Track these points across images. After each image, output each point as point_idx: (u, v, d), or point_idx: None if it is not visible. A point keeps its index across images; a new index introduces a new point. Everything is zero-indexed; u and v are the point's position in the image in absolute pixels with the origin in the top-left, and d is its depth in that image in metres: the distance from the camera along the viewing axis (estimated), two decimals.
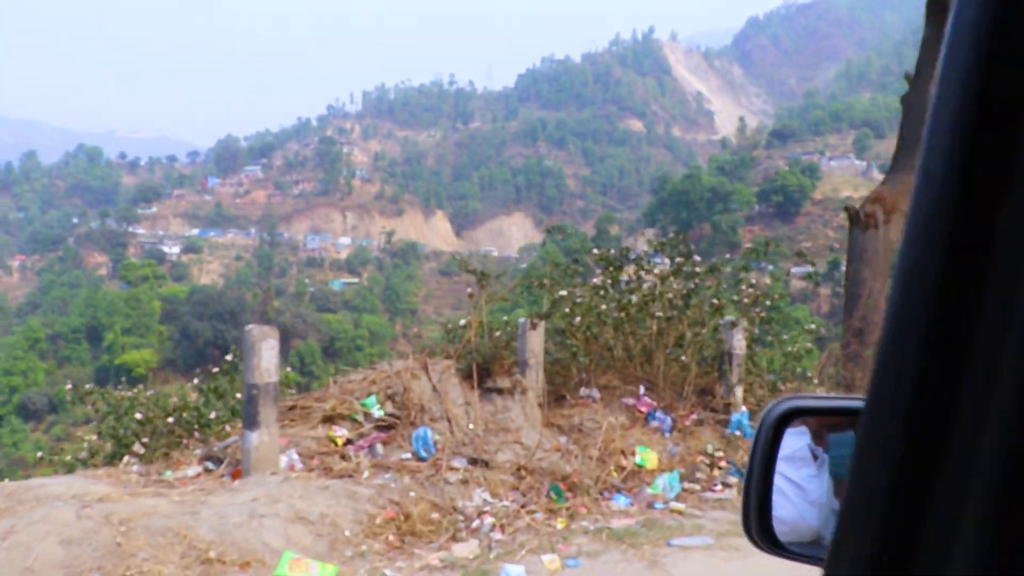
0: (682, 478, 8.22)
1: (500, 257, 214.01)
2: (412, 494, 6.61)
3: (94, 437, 8.07)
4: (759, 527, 1.76)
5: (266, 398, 6.58)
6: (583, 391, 9.38)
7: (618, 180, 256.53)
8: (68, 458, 7.95)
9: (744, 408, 9.76)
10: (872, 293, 13.31)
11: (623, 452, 8.23)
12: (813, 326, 11.48)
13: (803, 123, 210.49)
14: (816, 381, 10.64)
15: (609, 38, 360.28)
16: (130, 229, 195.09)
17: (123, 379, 11.63)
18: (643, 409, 9.33)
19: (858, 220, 13.61)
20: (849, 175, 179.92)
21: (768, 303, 10.64)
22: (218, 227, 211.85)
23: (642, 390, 9.53)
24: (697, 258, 10.93)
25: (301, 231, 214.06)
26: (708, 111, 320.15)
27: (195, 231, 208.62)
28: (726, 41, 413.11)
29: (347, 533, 5.86)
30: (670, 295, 9.94)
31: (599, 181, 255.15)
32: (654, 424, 9.15)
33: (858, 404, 1.96)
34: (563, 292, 9.93)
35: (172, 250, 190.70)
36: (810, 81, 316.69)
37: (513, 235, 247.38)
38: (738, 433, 9.18)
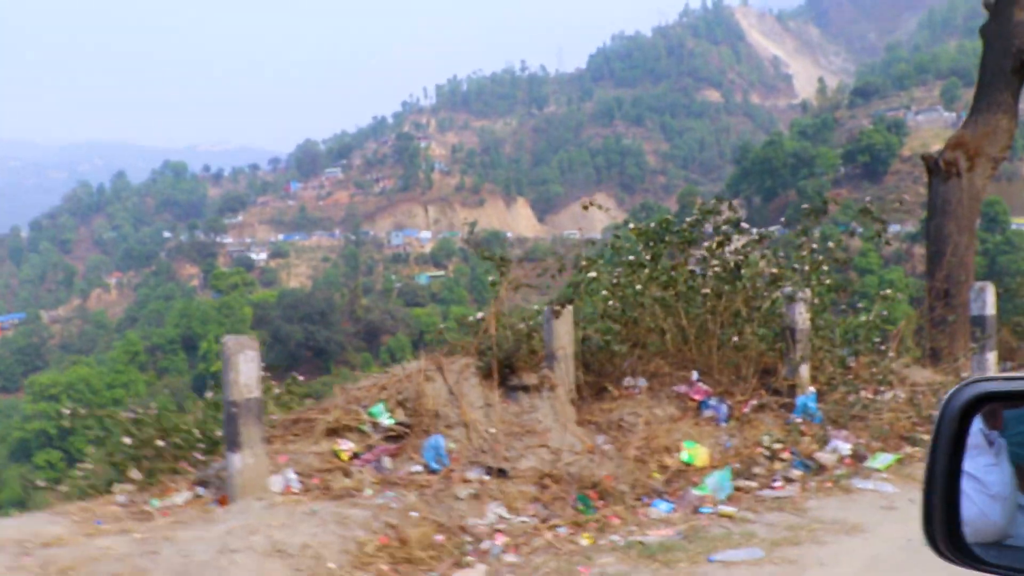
0: (737, 475, 7.21)
1: (584, 239, 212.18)
2: (414, 514, 5.77)
3: (89, 465, 7.45)
4: (946, 535, 1.60)
5: (247, 416, 5.84)
6: (627, 381, 8.42)
7: (699, 153, 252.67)
8: (64, 488, 7.33)
9: (812, 389, 8.69)
10: (958, 249, 11.98)
11: (667, 449, 7.28)
12: (889, 291, 10.21)
13: (886, 78, 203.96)
14: (892, 354, 9.47)
15: (679, 9, 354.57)
16: (218, 239, 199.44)
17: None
18: (696, 397, 8.33)
19: (937, 169, 12.29)
20: (939, 127, 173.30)
21: (827, 268, 9.50)
22: (303, 230, 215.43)
23: (695, 376, 8.52)
24: (745, 225, 9.83)
25: (385, 228, 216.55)
26: (786, 75, 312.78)
27: (281, 236, 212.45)
28: (800, 1, 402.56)
29: (331, 566, 5.08)
30: (717, 268, 8.90)
31: (679, 155, 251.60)
32: (708, 414, 8.14)
33: None
34: (592, 273, 9.02)
35: (260, 256, 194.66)
36: (892, 34, 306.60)
37: (596, 216, 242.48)
38: (799, 420, 8.12)
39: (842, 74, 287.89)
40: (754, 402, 8.36)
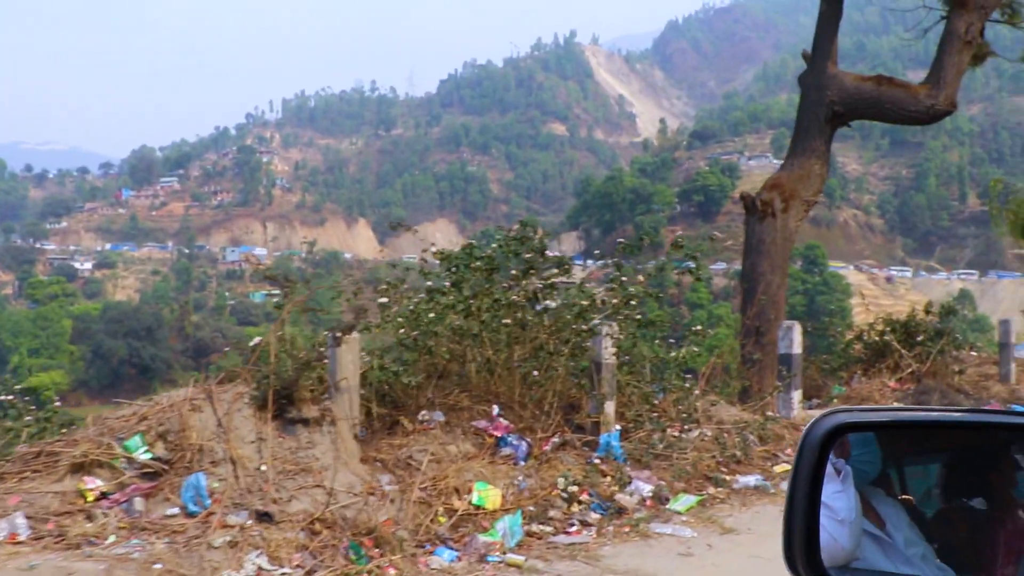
0: (532, 518, 6.77)
1: (424, 264, 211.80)
2: (158, 566, 5.03)
3: None
4: (805, 559, 1.66)
5: None
6: (423, 415, 7.89)
7: (542, 184, 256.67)
8: None
9: (617, 427, 8.39)
10: (770, 287, 12.11)
11: (457, 490, 6.76)
12: (700, 327, 10.09)
13: (723, 124, 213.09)
14: (698, 391, 9.33)
15: (531, 42, 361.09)
16: (38, 245, 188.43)
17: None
18: (495, 433, 7.88)
19: (754, 209, 12.41)
20: (768, 173, 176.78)
21: (633, 303, 9.27)
22: (133, 241, 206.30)
23: (496, 410, 8.07)
24: (551, 253, 9.52)
25: (220, 243, 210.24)
26: (630, 114, 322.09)
27: (108, 245, 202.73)
28: (646, 44, 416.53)
29: None
30: (517, 298, 8.52)
31: (523, 185, 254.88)
32: (506, 451, 7.69)
33: (922, 416, 2.07)
34: (383, 299, 8.51)
35: (84, 266, 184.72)
36: (729, 83, 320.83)
37: (438, 242, 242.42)
38: (601, 459, 7.80)
39: (683, 117, 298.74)
40: (556, 439, 7.98)
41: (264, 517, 5.80)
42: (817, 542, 1.71)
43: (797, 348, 9.91)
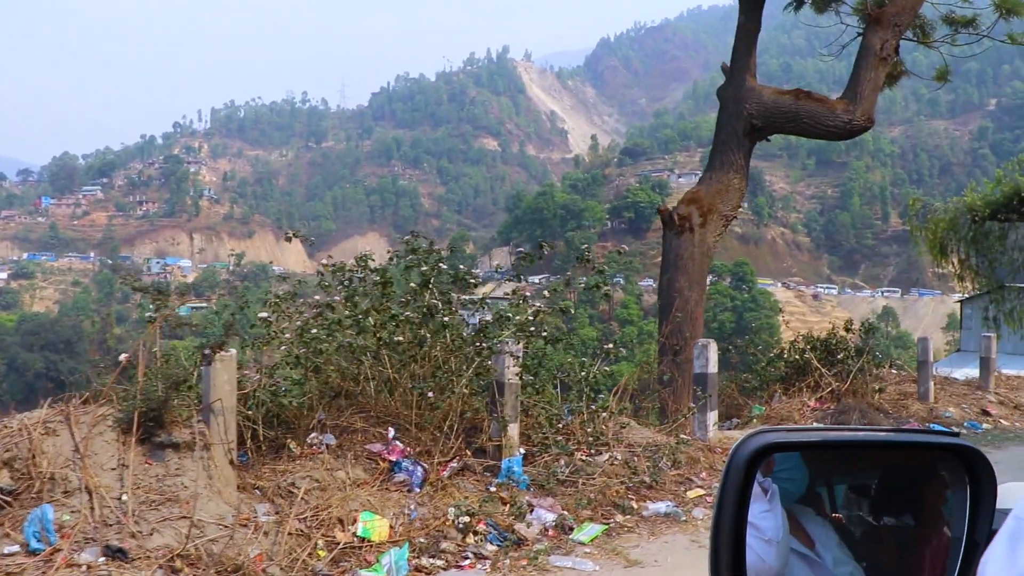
0: (421, 551, 6.28)
1: (323, 278, 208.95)
2: None
3: None
4: None
5: None
6: (312, 438, 7.36)
7: (473, 199, 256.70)
8: None
9: (521, 450, 7.95)
10: (687, 304, 11.82)
11: (341, 521, 6.25)
12: (611, 345, 9.68)
13: (653, 141, 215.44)
14: (606, 413, 8.95)
15: (463, 57, 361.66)
16: None
17: None
18: (391, 457, 7.38)
19: (672, 223, 12.12)
20: None
21: (539, 320, 8.86)
22: (53, 251, 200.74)
23: (391, 433, 7.58)
24: (443, 266, 9.06)
25: (145, 254, 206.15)
26: (562, 130, 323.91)
27: (26, 255, 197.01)
28: (579, 62, 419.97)
29: None
30: (412, 314, 8.06)
31: (454, 200, 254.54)
32: (400, 477, 7.20)
33: (849, 436, 2.06)
34: (264, 313, 8.00)
35: None
36: (660, 101, 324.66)
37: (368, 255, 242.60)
38: (501, 485, 7.35)
39: (614, 134, 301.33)
40: (455, 464, 7.50)
41: (118, 554, 5.22)
42: (743, 563, 1.67)
43: (713, 367, 9.57)
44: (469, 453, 7.81)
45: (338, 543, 6.02)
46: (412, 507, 6.70)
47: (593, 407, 8.79)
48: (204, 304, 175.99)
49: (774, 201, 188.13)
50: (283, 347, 7.70)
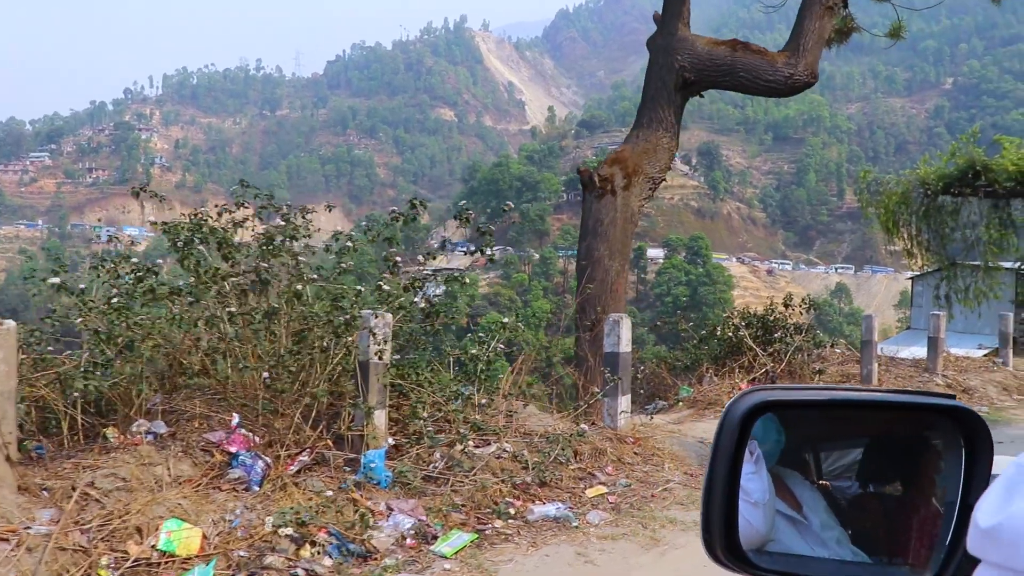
0: (238, 567, 5.08)
1: (309, 247, 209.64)
2: None
3: None
4: (725, 544, 1.64)
5: None
6: (138, 425, 6.13)
7: (429, 169, 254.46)
8: None
9: (390, 441, 6.77)
10: (608, 274, 10.65)
11: (140, 530, 5.03)
12: (507, 320, 8.43)
13: (611, 114, 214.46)
14: (500, 395, 7.80)
15: (421, 26, 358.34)
16: None
17: None
18: (231, 449, 6.17)
19: (592, 185, 10.92)
20: None
21: (418, 290, 7.72)
22: None
23: (235, 420, 6.36)
24: (300, 226, 7.83)
25: (94, 222, 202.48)
26: (519, 101, 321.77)
27: None
28: (537, 33, 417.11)
29: None
30: (241, 279, 6.86)
31: (410, 170, 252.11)
32: (235, 473, 5.99)
33: (845, 395, 2.01)
34: (55, 279, 6.76)
35: None
36: (618, 73, 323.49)
37: (322, 225, 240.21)
38: (352, 486, 6.16)
39: (572, 106, 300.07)
40: (305, 458, 6.30)
41: None
42: (736, 527, 1.64)
43: (626, 346, 8.41)
44: (331, 444, 6.62)
45: (128, 557, 4.80)
46: (239, 511, 5.49)
47: (471, 389, 7.62)
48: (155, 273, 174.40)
49: (730, 176, 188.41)
50: (80, 319, 6.43)
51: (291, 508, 5.51)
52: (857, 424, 2.00)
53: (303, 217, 8.05)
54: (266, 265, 6.99)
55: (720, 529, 1.62)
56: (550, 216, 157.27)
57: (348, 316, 6.73)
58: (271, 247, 7.20)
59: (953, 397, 1.71)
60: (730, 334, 12.09)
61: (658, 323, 13.09)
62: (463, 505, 6.31)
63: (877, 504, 1.98)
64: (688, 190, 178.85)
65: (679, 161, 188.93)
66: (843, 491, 1.98)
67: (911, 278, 40.55)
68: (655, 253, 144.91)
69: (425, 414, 7.01)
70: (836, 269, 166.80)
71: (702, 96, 11.73)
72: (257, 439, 6.36)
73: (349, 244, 7.94)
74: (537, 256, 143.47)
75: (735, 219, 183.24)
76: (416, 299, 7.94)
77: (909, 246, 24.87)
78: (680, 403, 10.89)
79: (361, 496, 6.01)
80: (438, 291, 8.21)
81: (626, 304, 10.85)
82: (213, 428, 6.43)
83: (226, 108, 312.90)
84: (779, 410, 1.77)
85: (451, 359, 8.08)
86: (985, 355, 22.44)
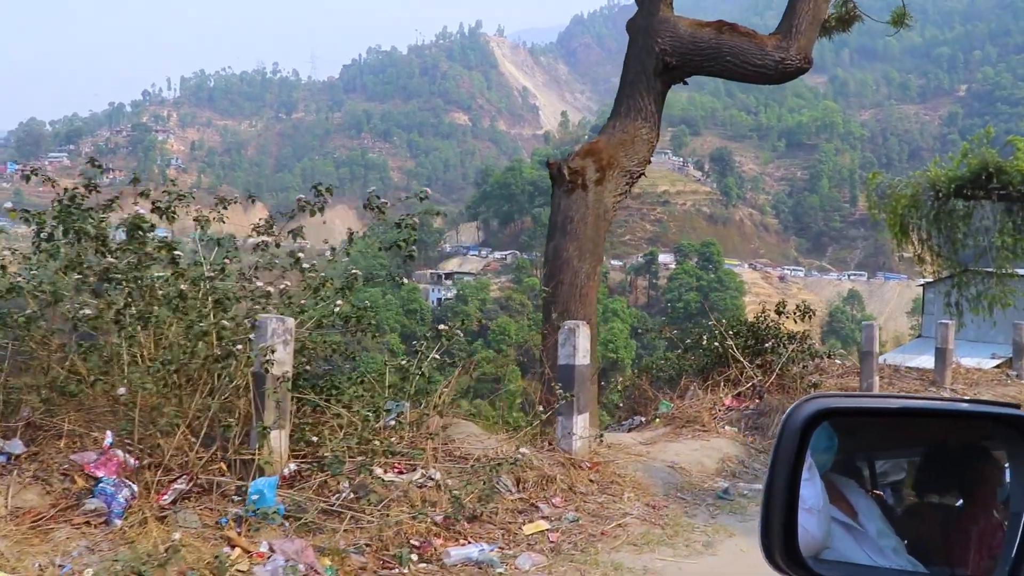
0: None
1: (320, 250, 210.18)
2: None
3: None
4: (784, 550, 1.63)
5: None
6: None
7: (443, 173, 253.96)
8: None
9: (291, 466, 5.81)
10: (577, 277, 9.65)
11: None
12: (444, 326, 7.40)
13: None
14: (434, 413, 6.84)
15: (436, 31, 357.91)
16: None
17: None
18: (99, 473, 5.24)
19: (561, 179, 9.92)
20: (666, 170, 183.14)
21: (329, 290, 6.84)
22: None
23: (109, 439, 5.43)
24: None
25: (111, 223, 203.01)
26: (533, 106, 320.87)
27: None
28: (552, 38, 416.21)
29: None
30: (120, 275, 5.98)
31: (424, 174, 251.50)
32: (92, 504, 5.05)
33: (909, 403, 1.95)
34: None
35: None
36: None
37: (336, 227, 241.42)
38: (232, 521, 5.20)
39: (586, 111, 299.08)
40: (182, 485, 5.35)
41: None
42: (796, 533, 1.64)
43: (583, 357, 7.41)
44: (225, 468, 5.66)
45: None
46: (77, 552, 4.54)
47: (396, 408, 6.67)
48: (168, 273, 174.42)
49: (743, 182, 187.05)
50: None
51: (143, 550, 4.55)
52: (913, 432, 1.93)
53: (221, 208, 7.14)
54: (114, 260, 6.06)
55: (780, 536, 1.59)
56: None
57: (235, 323, 5.78)
58: (136, 239, 6.27)
59: (1018, 407, 1.67)
60: (716, 344, 11.04)
61: (651, 331, 11.98)
62: (368, 545, 5.33)
63: (933, 514, 1.94)
64: (700, 196, 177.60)
65: (691, 167, 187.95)
66: (898, 500, 1.96)
67: (922, 285, 39.34)
68: (666, 259, 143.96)
69: (335, 435, 6.03)
70: (849, 276, 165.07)
71: (685, 83, 10.69)
72: (133, 461, 5.42)
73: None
74: None
75: (747, 225, 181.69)
76: (338, 303, 6.98)
77: (919, 251, 23.74)
78: (658, 420, 9.88)
79: (239, 533, 5.05)
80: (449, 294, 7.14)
81: (596, 310, 9.83)
82: (86, 448, 5.51)
83: (242, 111, 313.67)
84: (838, 417, 1.72)
85: (388, 371, 7.10)
86: (997, 366, 21.38)
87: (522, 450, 6.66)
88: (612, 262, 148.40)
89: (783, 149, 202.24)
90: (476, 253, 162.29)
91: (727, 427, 9.31)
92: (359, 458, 5.94)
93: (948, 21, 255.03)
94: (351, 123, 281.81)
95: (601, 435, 7.91)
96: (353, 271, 7.16)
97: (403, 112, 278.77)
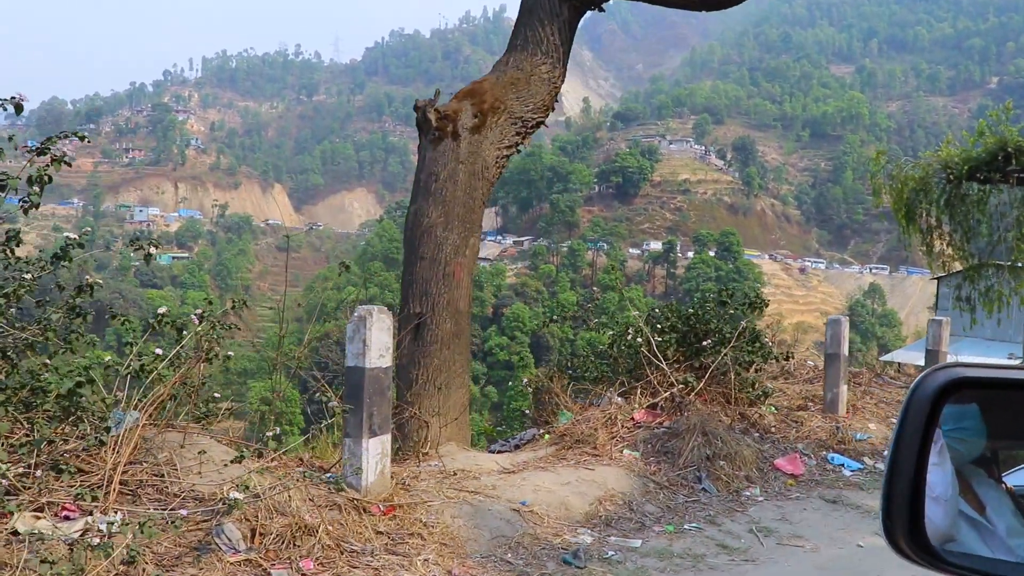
0: None
1: (340, 233, 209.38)
2: None
3: None
4: (908, 532, 1.52)
5: None
6: None
7: None
8: None
9: None
10: (441, 249, 7.45)
11: None
12: (165, 308, 5.25)
13: (647, 107, 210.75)
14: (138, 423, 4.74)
15: (459, 15, 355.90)
16: None
17: None
18: None
19: (426, 126, 7.70)
20: (688, 158, 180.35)
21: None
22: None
23: None
24: None
25: (129, 202, 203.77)
26: None
27: (6, 199, 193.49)
28: None
29: None
30: None
31: None
32: None
33: None
34: None
35: None
36: (657, 67, 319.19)
37: (355, 211, 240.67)
38: None
39: (609, 99, 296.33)
40: None
41: None
42: (922, 516, 1.50)
43: (378, 358, 5.19)
44: None
45: None
46: None
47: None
48: (185, 254, 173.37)
49: (765, 172, 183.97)
50: None
51: None
52: None
53: None
54: None
55: (904, 519, 1.49)
56: (580, 208, 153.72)
57: None
58: None
59: None
60: (639, 340, 8.80)
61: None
62: None
63: None
64: (722, 185, 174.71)
65: (713, 156, 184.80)
66: None
67: (936, 279, 36.86)
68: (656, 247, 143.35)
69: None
70: (871, 269, 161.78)
71: (602, 10, 8.42)
72: None
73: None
74: (566, 247, 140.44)
75: (769, 216, 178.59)
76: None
77: (927, 239, 21.34)
78: (547, 436, 7.70)
79: None
80: None
81: (471, 294, 7.64)
82: None
83: (263, 92, 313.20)
84: (974, 390, 1.54)
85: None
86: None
87: (232, 494, 4.42)
88: (630, 250, 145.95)
89: (807, 139, 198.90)
90: (494, 239, 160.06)
91: (627, 451, 7.12)
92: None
93: (982, 13, 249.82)
94: (372, 106, 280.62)
95: (527, 443, 5.75)
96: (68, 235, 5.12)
97: (425, 96, 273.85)
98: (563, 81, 8.17)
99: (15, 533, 3.99)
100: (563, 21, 8.03)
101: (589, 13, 8.57)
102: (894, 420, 8.94)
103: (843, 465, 8.14)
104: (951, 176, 19.80)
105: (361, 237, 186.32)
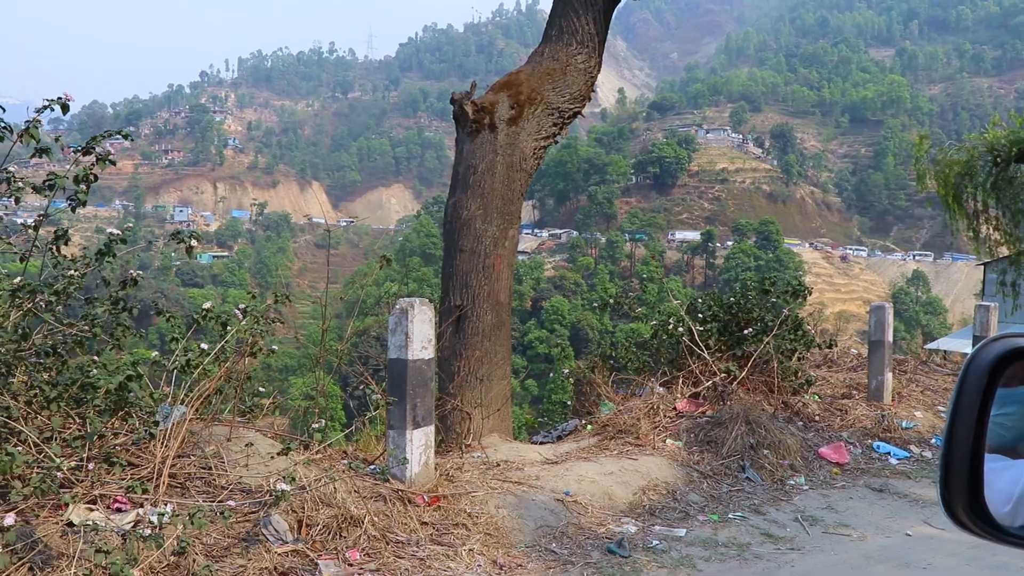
0: None
1: (378, 229, 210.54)
2: None
3: None
4: (969, 503, 1.50)
5: None
6: None
7: None
8: None
9: None
10: (481, 242, 7.48)
11: None
12: (210, 303, 5.30)
13: (683, 96, 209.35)
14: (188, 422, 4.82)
15: (492, 8, 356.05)
16: None
17: None
18: None
19: (464, 118, 7.72)
20: (725, 147, 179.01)
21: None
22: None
23: None
24: None
25: (169, 203, 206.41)
26: None
27: (51, 203, 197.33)
28: None
29: None
30: None
31: None
32: None
33: None
34: None
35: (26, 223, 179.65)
36: (692, 56, 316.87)
37: (392, 207, 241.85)
38: None
39: (644, 88, 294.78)
40: None
41: None
42: (981, 487, 1.48)
43: (420, 350, 5.23)
44: None
45: None
46: None
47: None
48: (226, 253, 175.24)
49: (804, 159, 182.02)
50: None
51: None
52: None
53: None
54: None
55: (963, 489, 1.47)
56: (618, 199, 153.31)
57: None
58: None
59: None
60: (681, 329, 8.77)
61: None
62: None
63: None
64: (760, 173, 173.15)
65: (751, 144, 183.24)
66: None
67: (982, 264, 36.27)
68: (687, 235, 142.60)
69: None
70: (914, 256, 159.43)
71: None
72: None
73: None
74: (604, 239, 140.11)
75: (808, 204, 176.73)
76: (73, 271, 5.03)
77: (974, 224, 20.96)
78: (589, 427, 7.71)
79: None
80: None
81: (511, 286, 7.65)
82: None
83: (299, 90, 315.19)
84: None
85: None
86: None
87: (280, 486, 4.48)
88: (669, 238, 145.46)
89: (847, 125, 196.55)
90: (531, 232, 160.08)
91: (669, 440, 7.10)
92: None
93: None
94: (407, 102, 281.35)
95: (567, 435, 5.78)
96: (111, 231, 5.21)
97: (460, 90, 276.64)
98: (599, 70, 8.16)
99: (70, 524, 4.08)
100: (598, 10, 8.01)
101: (623, 2, 8.54)
102: (941, 408, 8.79)
103: (889, 453, 8.06)
104: (998, 159, 19.47)
105: (399, 233, 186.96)
